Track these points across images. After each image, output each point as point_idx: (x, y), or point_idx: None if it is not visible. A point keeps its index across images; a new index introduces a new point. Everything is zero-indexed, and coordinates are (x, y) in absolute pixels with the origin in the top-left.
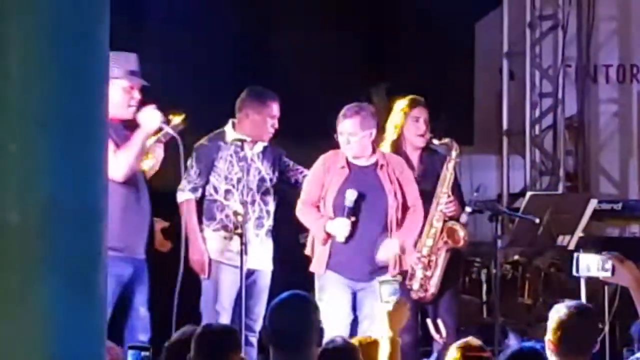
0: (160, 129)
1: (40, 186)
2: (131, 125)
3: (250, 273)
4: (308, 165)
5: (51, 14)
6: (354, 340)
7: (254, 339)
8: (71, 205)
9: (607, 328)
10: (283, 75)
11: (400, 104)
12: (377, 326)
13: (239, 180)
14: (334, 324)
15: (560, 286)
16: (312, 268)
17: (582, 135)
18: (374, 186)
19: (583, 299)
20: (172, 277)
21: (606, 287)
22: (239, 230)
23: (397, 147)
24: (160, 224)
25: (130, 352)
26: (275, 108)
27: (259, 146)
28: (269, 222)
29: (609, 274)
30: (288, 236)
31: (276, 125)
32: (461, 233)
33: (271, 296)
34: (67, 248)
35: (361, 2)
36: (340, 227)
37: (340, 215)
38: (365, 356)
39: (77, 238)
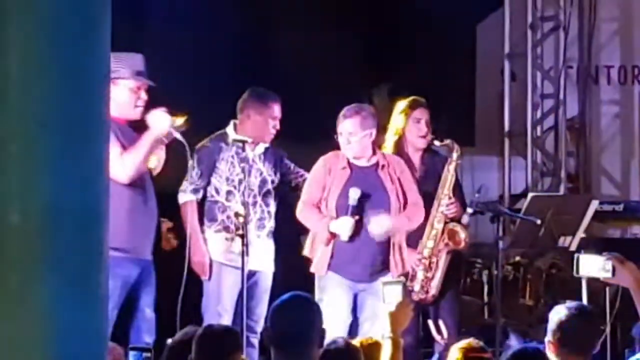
0: (168, 133)
1: (41, 186)
2: (138, 126)
3: (252, 274)
4: (308, 166)
5: (51, 14)
6: (356, 341)
7: (255, 340)
8: (72, 206)
9: (608, 329)
10: (283, 75)
11: (401, 105)
12: (379, 327)
13: (240, 182)
14: (333, 324)
15: (562, 287)
16: (313, 269)
17: (583, 136)
18: (376, 187)
19: (584, 300)
20: (176, 278)
21: (607, 288)
22: (241, 232)
23: (399, 149)
24: (166, 225)
25: (131, 354)
26: (276, 109)
27: (261, 147)
28: (270, 223)
29: (609, 274)
30: (289, 237)
31: (278, 127)
32: (462, 235)
33: (272, 297)
34: (67, 248)
35: (361, 2)
36: (345, 226)
37: (343, 215)
38: (367, 357)
39: (77, 238)
